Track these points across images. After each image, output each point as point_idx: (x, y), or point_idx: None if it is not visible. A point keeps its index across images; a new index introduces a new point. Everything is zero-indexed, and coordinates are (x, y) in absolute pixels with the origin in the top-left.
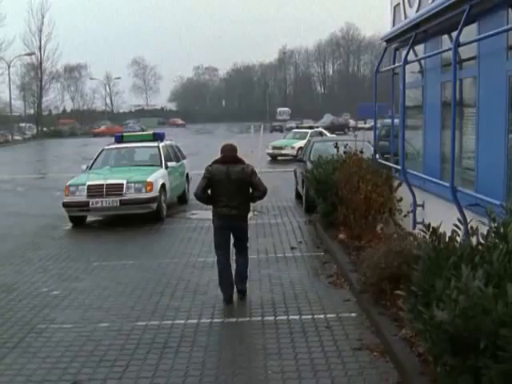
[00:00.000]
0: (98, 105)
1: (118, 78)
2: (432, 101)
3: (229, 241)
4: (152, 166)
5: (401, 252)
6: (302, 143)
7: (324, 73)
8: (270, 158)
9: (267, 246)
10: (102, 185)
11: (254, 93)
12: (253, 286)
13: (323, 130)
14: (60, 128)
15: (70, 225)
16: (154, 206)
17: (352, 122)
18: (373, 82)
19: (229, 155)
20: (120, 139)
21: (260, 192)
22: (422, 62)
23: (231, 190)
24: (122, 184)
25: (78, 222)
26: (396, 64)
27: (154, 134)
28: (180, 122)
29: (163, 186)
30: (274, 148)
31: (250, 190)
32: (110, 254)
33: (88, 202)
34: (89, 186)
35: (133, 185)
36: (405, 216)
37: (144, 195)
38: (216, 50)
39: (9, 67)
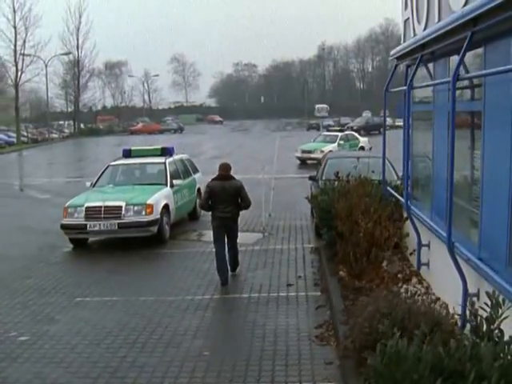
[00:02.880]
0: (137, 102)
1: (156, 76)
2: (441, 127)
3: (224, 236)
4: (156, 184)
5: (389, 315)
6: (331, 147)
7: (363, 69)
8: (299, 162)
9: (263, 281)
10: (100, 207)
11: (292, 89)
12: (232, 338)
13: (354, 133)
14: (97, 126)
15: (70, 246)
16: (155, 229)
17: (389, 121)
18: (383, 103)
19: (224, 174)
20: (128, 153)
21: (245, 203)
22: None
23: (226, 199)
24: (121, 206)
25: (79, 244)
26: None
27: (163, 149)
28: (218, 118)
29: (166, 206)
30: (303, 152)
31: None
32: (98, 286)
33: (86, 225)
34: (87, 207)
35: (132, 207)
36: (411, 254)
37: (143, 218)
38: (255, 46)
39: (46, 66)
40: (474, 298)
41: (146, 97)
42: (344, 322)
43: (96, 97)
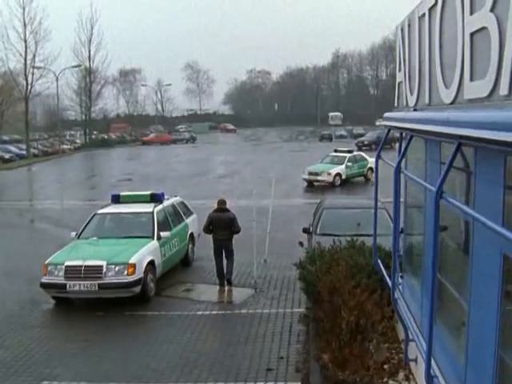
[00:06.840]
0: (150, 111)
1: (169, 85)
2: (431, 214)
3: (222, 253)
4: (143, 237)
5: None
6: (339, 169)
7: (377, 76)
8: (306, 184)
9: (242, 363)
10: (81, 266)
11: (306, 96)
12: None
13: (363, 154)
14: (109, 136)
15: (52, 301)
16: (137, 289)
17: None
18: (374, 168)
19: (221, 207)
20: (116, 199)
21: (236, 230)
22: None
23: (222, 226)
24: (102, 266)
25: (61, 300)
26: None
27: (152, 196)
28: (231, 127)
29: (151, 263)
30: (310, 174)
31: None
32: (70, 362)
33: (65, 285)
34: (66, 266)
35: (113, 267)
36: (400, 343)
37: (125, 279)
38: (269, 52)
39: (57, 79)
40: None
41: (159, 106)
42: None
43: (108, 108)
